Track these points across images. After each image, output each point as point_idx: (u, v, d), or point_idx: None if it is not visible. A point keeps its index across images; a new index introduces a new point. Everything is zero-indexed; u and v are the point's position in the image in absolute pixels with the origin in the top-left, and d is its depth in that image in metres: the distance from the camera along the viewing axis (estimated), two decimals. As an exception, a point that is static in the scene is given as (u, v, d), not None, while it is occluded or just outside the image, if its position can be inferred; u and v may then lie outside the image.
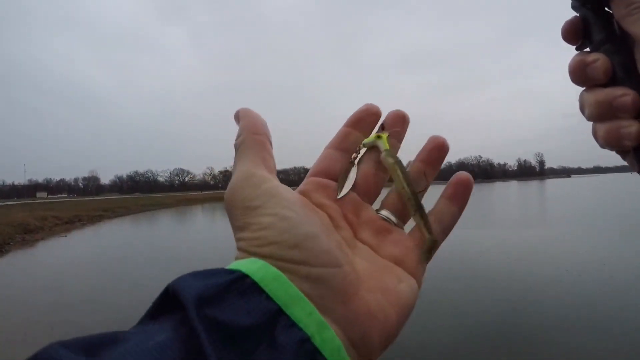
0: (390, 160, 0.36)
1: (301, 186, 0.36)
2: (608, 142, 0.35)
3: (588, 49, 0.37)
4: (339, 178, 0.36)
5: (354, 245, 0.34)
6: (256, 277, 0.26)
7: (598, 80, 0.35)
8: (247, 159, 0.32)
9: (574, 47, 0.38)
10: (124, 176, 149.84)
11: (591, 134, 0.37)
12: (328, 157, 0.37)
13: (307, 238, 0.28)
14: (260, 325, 0.24)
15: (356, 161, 0.37)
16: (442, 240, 0.36)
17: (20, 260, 12.02)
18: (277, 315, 0.25)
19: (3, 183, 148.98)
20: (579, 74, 0.36)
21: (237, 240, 0.30)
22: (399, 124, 0.38)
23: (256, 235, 0.28)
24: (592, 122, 0.37)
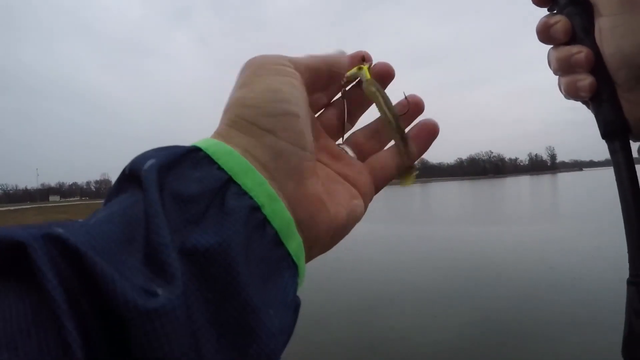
0: (372, 88, 0.37)
1: None
2: (568, 93, 0.40)
3: (555, 11, 0.41)
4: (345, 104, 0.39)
5: None
6: (209, 150, 0.26)
7: (560, 40, 0.39)
8: (295, 57, 0.33)
9: (546, 9, 0.42)
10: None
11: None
12: None
13: (286, 114, 0.29)
14: (210, 191, 0.25)
15: (347, 87, 0.39)
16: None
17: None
18: (227, 184, 0.25)
19: (16, 187, 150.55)
20: (543, 34, 0.40)
21: (228, 100, 0.31)
22: (385, 77, 0.39)
23: (244, 95, 0.29)
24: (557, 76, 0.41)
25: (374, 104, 0.38)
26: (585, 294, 5.08)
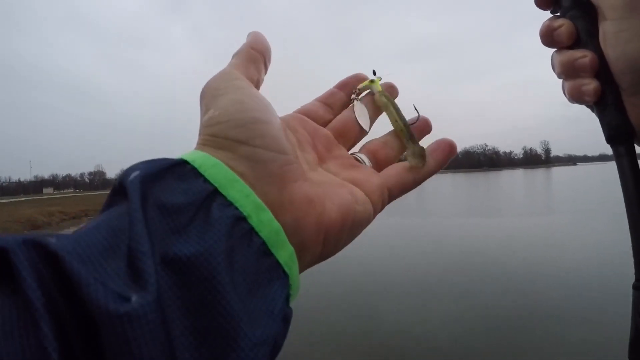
0: (384, 99, 0.39)
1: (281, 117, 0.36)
2: (572, 97, 0.39)
3: (558, 14, 0.40)
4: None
5: (314, 168, 0.35)
6: (195, 163, 0.27)
7: (563, 43, 0.39)
8: (232, 63, 0.33)
9: (549, 11, 0.41)
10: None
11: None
12: (312, 104, 0.41)
13: (256, 121, 0.29)
14: (194, 202, 0.25)
15: (359, 97, 0.41)
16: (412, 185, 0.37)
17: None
18: (213, 196, 0.26)
19: (9, 180, 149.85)
20: (547, 37, 0.40)
21: (200, 128, 0.31)
22: (390, 94, 0.40)
23: (210, 115, 0.29)
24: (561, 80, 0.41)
25: (386, 115, 0.40)
26: (581, 287, 5.09)
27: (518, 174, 71.12)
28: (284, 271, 0.27)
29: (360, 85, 0.41)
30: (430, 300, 4.95)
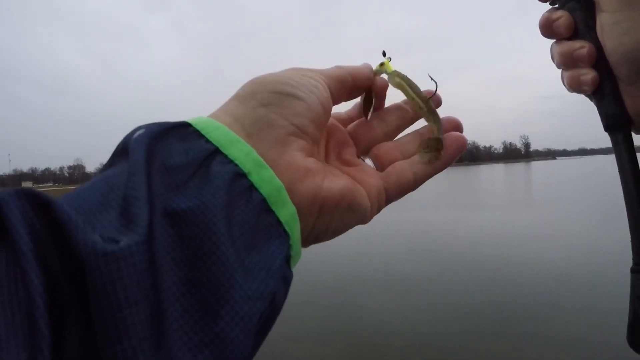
0: (397, 79, 0.39)
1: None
2: (571, 87, 0.40)
3: (557, 5, 0.41)
4: (363, 105, 0.40)
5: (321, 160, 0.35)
6: (198, 126, 0.27)
7: (562, 35, 0.40)
8: (325, 69, 0.36)
9: (547, 3, 0.42)
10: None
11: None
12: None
13: (289, 95, 0.31)
14: (195, 161, 0.25)
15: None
16: (413, 185, 0.37)
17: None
18: (213, 154, 0.26)
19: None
20: (546, 29, 0.41)
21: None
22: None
23: (262, 74, 0.32)
24: (560, 70, 0.42)
25: (403, 94, 0.39)
26: (567, 278, 5.14)
27: (499, 168, 71.72)
28: (284, 230, 0.27)
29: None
30: (413, 296, 4.98)
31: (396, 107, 0.41)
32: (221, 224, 0.23)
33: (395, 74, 0.39)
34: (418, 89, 0.39)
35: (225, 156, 0.26)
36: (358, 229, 0.35)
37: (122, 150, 0.25)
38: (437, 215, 11.89)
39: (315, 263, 6.18)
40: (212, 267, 0.22)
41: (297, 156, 0.30)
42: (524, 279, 5.34)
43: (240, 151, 0.27)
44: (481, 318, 4.19)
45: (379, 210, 0.36)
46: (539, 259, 6.19)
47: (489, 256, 6.67)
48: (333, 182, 0.32)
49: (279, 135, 0.29)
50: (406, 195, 0.37)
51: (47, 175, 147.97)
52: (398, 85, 0.39)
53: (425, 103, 0.38)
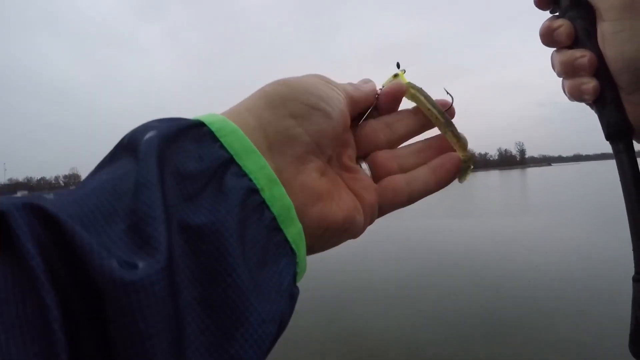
0: (412, 91, 0.39)
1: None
2: (572, 95, 0.40)
3: (557, 14, 0.41)
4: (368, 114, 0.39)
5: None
6: (213, 126, 0.26)
7: (563, 43, 0.40)
8: (345, 84, 0.36)
9: (548, 11, 0.42)
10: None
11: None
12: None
13: (318, 109, 0.31)
14: (209, 169, 0.24)
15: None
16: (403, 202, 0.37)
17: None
18: (228, 164, 0.25)
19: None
20: (547, 37, 0.41)
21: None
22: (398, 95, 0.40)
23: (289, 77, 0.32)
24: (561, 79, 0.42)
25: (418, 106, 0.39)
26: (564, 285, 5.15)
27: (494, 175, 71.84)
28: (291, 248, 0.27)
29: (385, 82, 0.40)
30: (409, 303, 4.94)
31: (404, 116, 0.40)
32: (235, 243, 0.23)
33: (411, 86, 0.39)
34: (434, 101, 0.39)
35: (240, 167, 0.25)
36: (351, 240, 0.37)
37: (128, 145, 0.24)
38: (433, 222, 11.83)
39: (308, 272, 5.88)
40: (227, 289, 0.22)
41: (313, 177, 0.30)
42: (520, 286, 5.30)
43: (255, 164, 0.26)
44: (478, 326, 4.15)
45: (370, 224, 0.36)
46: (535, 266, 6.15)
47: (485, 263, 6.63)
48: (339, 206, 0.31)
49: (300, 152, 0.29)
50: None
51: (42, 185, 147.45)
52: (413, 98, 0.39)
53: (442, 115, 0.38)
